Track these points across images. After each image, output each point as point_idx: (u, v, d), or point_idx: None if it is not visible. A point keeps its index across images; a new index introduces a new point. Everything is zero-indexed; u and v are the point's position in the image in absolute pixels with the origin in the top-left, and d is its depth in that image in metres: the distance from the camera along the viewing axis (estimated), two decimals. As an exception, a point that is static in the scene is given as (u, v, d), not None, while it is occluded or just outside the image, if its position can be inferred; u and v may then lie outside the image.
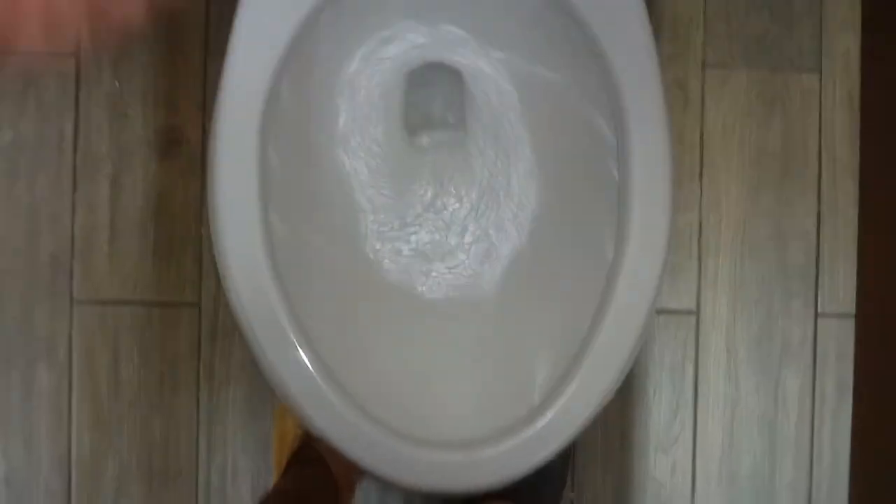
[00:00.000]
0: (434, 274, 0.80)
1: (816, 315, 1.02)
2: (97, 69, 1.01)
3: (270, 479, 0.99)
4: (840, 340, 1.02)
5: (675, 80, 1.03)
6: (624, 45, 0.70)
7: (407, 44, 0.80)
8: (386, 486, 0.99)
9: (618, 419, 1.01)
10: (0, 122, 1.00)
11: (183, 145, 1.01)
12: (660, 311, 1.01)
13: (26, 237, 1.00)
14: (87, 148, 1.00)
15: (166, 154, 1.01)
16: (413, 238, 0.81)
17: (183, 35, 1.01)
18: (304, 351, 0.66)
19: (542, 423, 0.65)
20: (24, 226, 1.00)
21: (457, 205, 0.82)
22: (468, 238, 0.82)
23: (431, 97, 0.82)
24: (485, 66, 0.80)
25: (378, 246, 0.80)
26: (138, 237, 1.00)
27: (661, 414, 1.01)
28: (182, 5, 1.01)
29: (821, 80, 1.04)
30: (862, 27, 1.03)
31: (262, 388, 0.99)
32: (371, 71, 0.81)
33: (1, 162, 1.00)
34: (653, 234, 0.68)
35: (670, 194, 0.68)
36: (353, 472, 0.86)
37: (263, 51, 0.69)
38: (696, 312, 1.02)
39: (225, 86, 0.69)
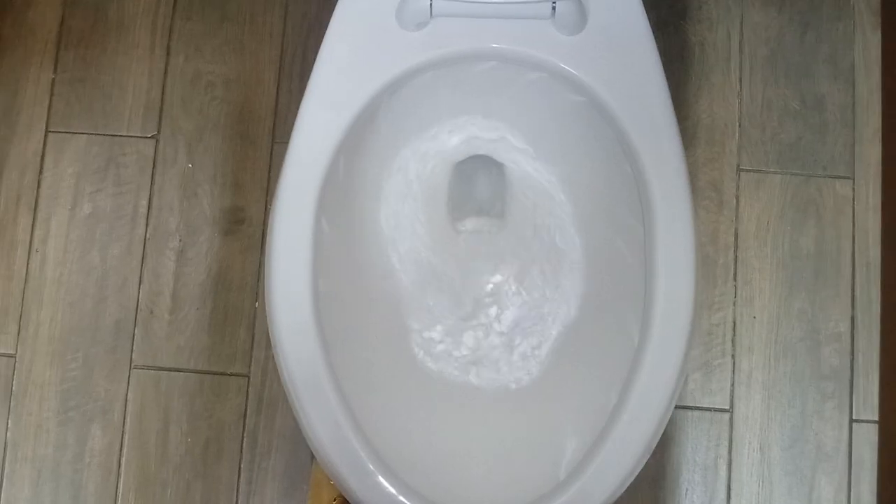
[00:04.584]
0: (473, 358, 0.83)
1: (851, 420, 1.01)
2: (174, 151, 1.09)
3: (303, 551, 1.00)
4: (876, 447, 1.00)
5: (711, 183, 1.05)
6: (653, 144, 0.73)
7: (455, 137, 0.86)
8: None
9: (649, 515, 1.00)
10: (82, 194, 1.08)
11: (245, 224, 1.07)
12: (693, 408, 1.01)
13: (94, 302, 1.06)
14: (157, 223, 1.08)
15: (229, 232, 1.07)
16: (454, 322, 0.84)
17: (252, 124, 1.09)
18: (346, 421, 0.69)
19: (563, 498, 0.67)
20: (94, 291, 1.06)
21: (497, 289, 0.85)
22: (511, 324, 0.84)
23: (476, 187, 0.87)
24: (525, 163, 0.85)
25: (417, 326, 0.83)
26: (197, 308, 1.05)
27: (692, 512, 1.00)
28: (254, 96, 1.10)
29: (853, 186, 1.05)
30: (882, 135, 1.04)
31: (301, 459, 1.01)
32: (422, 159, 0.86)
33: (80, 230, 1.08)
34: (676, 319, 0.70)
35: (693, 278, 0.70)
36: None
37: (323, 136, 0.75)
38: (730, 411, 1.01)
39: (287, 162, 0.74)
